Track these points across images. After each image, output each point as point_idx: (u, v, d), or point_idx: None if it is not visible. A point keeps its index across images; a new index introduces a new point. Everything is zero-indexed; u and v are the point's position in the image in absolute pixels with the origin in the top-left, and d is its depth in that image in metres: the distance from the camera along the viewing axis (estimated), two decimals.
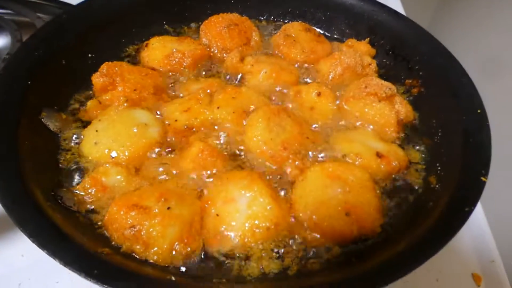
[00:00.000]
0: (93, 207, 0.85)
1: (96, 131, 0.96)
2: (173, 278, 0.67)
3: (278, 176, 0.96)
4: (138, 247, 0.75)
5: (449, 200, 0.84)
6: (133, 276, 0.64)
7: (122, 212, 0.78)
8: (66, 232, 0.68)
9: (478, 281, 1.02)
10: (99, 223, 0.81)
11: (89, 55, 1.13)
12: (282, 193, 0.93)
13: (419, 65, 1.21)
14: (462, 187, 0.85)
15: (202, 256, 0.80)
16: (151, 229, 0.76)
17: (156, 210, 0.78)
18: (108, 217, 0.80)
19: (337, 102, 1.17)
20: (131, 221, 0.76)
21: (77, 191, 0.85)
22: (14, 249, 0.97)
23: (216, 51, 1.30)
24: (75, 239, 0.67)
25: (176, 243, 0.77)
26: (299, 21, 1.42)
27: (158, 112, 1.07)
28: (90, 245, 0.68)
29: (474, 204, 0.80)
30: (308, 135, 1.05)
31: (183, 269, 0.77)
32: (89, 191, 0.85)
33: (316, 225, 0.84)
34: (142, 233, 0.75)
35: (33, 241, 0.63)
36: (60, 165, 0.91)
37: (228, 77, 1.24)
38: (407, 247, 0.76)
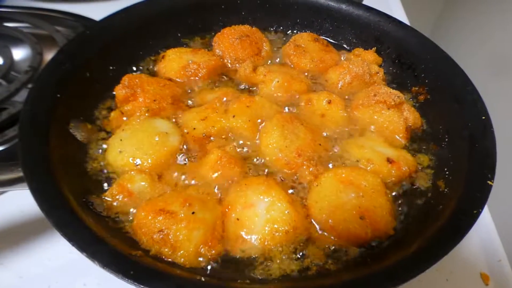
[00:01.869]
0: (121, 212, 0.89)
1: (120, 140, 1.01)
2: (203, 279, 0.72)
3: (294, 182, 1.01)
4: (166, 250, 0.80)
5: (457, 203, 0.88)
6: (167, 277, 0.68)
7: (150, 217, 0.83)
8: (100, 236, 0.73)
9: (486, 280, 1.07)
10: (127, 227, 0.86)
11: (110, 68, 1.18)
12: (298, 198, 0.98)
13: (425, 73, 1.26)
14: (470, 191, 0.89)
15: (225, 259, 0.84)
16: (178, 233, 0.81)
17: (182, 215, 0.83)
18: (136, 222, 0.84)
19: (347, 109, 1.22)
20: (159, 225, 0.81)
21: (106, 198, 0.90)
22: (40, 254, 1.02)
23: (229, 61, 1.35)
24: (109, 243, 0.72)
25: (201, 245, 0.82)
26: (308, 31, 1.47)
27: (177, 122, 1.12)
28: (123, 248, 0.73)
29: (481, 207, 0.84)
30: (320, 141, 1.10)
31: (208, 271, 0.81)
32: (117, 197, 0.90)
33: (332, 228, 0.89)
34: (170, 237, 0.80)
35: (72, 245, 0.68)
36: (89, 173, 0.96)
37: (241, 86, 1.29)
38: (418, 249, 0.80)
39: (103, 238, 0.72)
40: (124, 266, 0.67)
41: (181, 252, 0.80)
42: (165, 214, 0.82)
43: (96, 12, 1.47)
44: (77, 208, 0.78)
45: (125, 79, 1.11)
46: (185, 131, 1.10)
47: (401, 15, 2.06)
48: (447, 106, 1.15)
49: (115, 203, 0.90)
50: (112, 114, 1.08)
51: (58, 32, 1.54)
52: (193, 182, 0.99)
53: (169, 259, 0.80)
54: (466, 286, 1.06)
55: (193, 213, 0.85)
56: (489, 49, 2.21)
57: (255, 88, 1.28)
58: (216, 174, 0.99)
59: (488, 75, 2.03)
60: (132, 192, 0.92)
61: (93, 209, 0.85)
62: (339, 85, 1.29)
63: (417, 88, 1.28)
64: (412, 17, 2.01)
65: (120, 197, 0.90)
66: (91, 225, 0.75)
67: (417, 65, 1.29)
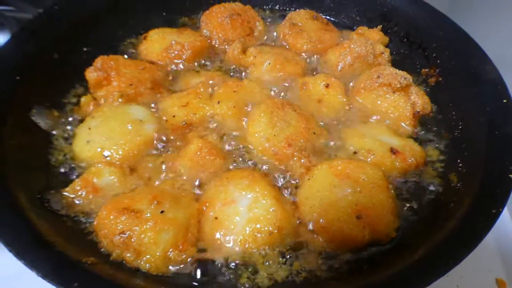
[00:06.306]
0: (84, 210, 0.79)
1: (89, 128, 0.90)
2: None
3: (283, 176, 0.89)
4: (128, 255, 0.69)
5: (472, 200, 0.76)
6: None
7: (112, 217, 0.72)
8: (48, 240, 0.63)
9: (503, 287, 0.94)
10: (89, 228, 0.76)
11: (84, 49, 1.08)
12: (287, 193, 0.86)
13: (437, 53, 1.12)
14: (487, 186, 0.76)
15: (201, 264, 0.73)
16: (142, 235, 0.70)
17: (148, 214, 0.72)
18: (97, 222, 0.74)
19: (347, 94, 1.08)
20: (121, 226, 0.71)
21: (67, 193, 0.79)
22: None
23: (217, 43, 1.23)
24: (58, 247, 0.62)
25: (171, 249, 0.71)
26: (307, 9, 1.33)
27: (156, 108, 1.01)
28: (75, 254, 0.63)
29: (502, 205, 0.71)
30: (315, 130, 0.97)
31: (178, 279, 0.71)
32: (79, 193, 0.80)
33: (324, 229, 0.77)
34: (132, 240, 0.70)
35: (10, 250, 0.58)
36: (51, 166, 0.86)
37: (230, 69, 1.17)
38: (425, 255, 0.68)
39: (50, 243, 0.62)
40: (68, 277, 0.56)
41: (146, 257, 0.70)
42: (128, 214, 0.72)
43: None
44: (26, 207, 0.68)
45: (98, 61, 1.00)
46: (164, 118, 0.99)
47: None
48: (461, 88, 1.01)
49: (77, 200, 0.79)
50: (83, 99, 0.98)
51: None
52: (169, 176, 0.88)
53: (133, 266, 0.69)
54: None
55: (162, 212, 0.74)
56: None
57: (245, 71, 1.16)
58: (195, 167, 0.87)
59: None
60: (99, 187, 0.82)
61: (48, 207, 0.74)
62: (339, 67, 1.15)
63: (427, 70, 1.14)
64: None
65: (83, 193, 0.80)
66: (39, 227, 0.65)
67: (428, 44, 1.14)
